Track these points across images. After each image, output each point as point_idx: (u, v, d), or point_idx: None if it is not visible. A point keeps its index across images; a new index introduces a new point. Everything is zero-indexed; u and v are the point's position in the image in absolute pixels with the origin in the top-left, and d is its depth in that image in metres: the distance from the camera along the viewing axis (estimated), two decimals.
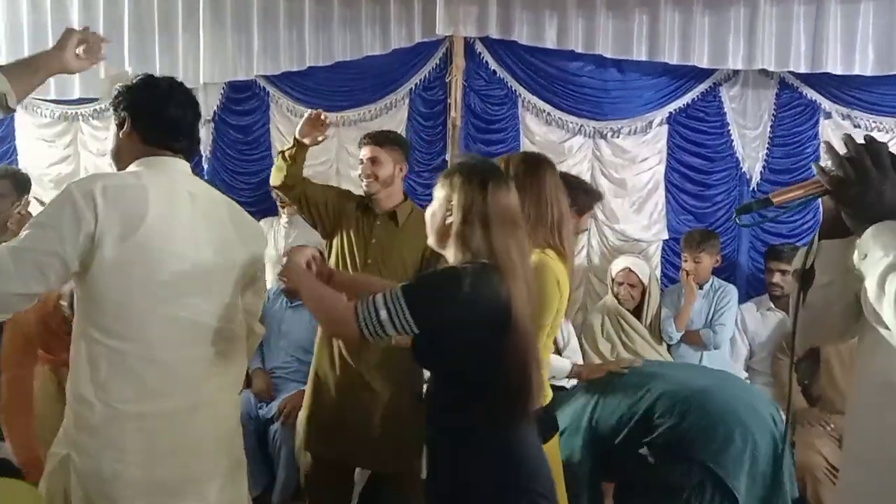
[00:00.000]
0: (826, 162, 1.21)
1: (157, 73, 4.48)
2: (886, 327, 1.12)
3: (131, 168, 1.73)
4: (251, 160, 4.53)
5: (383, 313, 1.52)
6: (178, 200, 1.70)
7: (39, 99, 4.74)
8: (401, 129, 4.36)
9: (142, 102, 1.75)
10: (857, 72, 3.88)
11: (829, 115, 4.05)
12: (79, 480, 1.61)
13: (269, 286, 4.27)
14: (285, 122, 4.49)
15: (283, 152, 2.75)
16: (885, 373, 1.19)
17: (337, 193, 2.92)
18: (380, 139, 2.80)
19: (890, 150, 1.20)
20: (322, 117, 2.70)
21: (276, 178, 2.76)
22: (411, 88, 4.32)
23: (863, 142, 1.18)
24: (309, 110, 4.26)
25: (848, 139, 1.19)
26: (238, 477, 1.84)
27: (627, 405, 2.04)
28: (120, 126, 1.77)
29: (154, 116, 1.74)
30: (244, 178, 4.56)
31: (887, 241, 1.12)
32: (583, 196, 2.88)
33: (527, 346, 1.56)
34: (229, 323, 1.76)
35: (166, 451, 1.65)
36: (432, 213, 1.69)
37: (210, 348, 1.71)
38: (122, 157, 1.78)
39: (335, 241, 2.81)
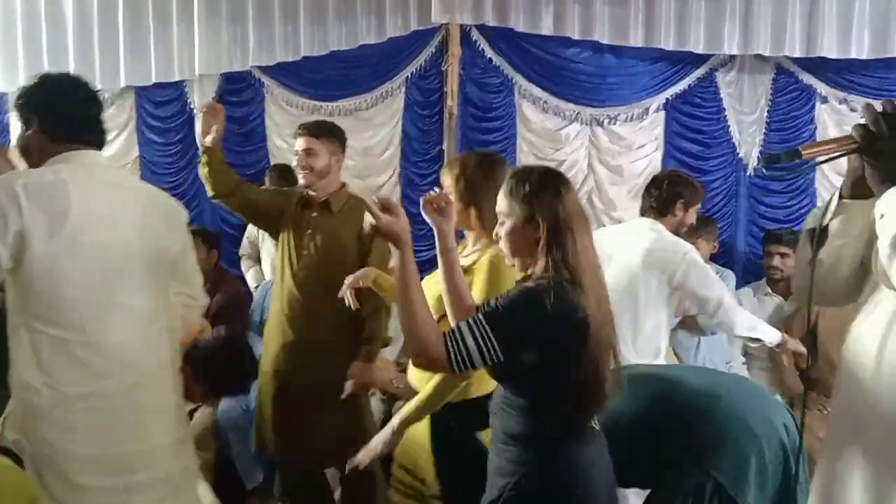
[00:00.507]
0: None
1: (153, 64, 4.52)
2: (893, 288, 1.15)
3: (48, 164, 1.77)
4: (246, 151, 4.52)
5: (471, 342, 1.49)
6: (100, 191, 1.76)
7: None
8: (397, 119, 4.36)
9: (45, 102, 1.80)
10: (853, 56, 3.88)
11: (825, 100, 4.05)
12: (32, 465, 1.66)
13: (267, 276, 4.30)
14: (280, 113, 4.48)
15: (200, 161, 2.72)
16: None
17: (273, 193, 2.92)
18: (314, 130, 2.72)
19: None
20: (217, 107, 2.66)
21: (207, 188, 2.72)
22: (407, 77, 4.31)
23: None
24: (304, 100, 4.40)
25: (887, 102, 1.21)
26: (186, 447, 1.93)
27: (644, 413, 2.02)
28: (26, 125, 1.82)
29: (59, 114, 1.80)
30: (240, 169, 4.50)
31: None
32: (690, 190, 2.86)
33: (601, 353, 1.55)
34: (162, 302, 1.84)
35: (114, 427, 1.72)
36: (512, 232, 1.60)
37: (146, 329, 1.79)
38: (32, 155, 1.83)
39: (279, 240, 2.77)
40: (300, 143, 2.71)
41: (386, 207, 1.55)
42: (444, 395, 1.91)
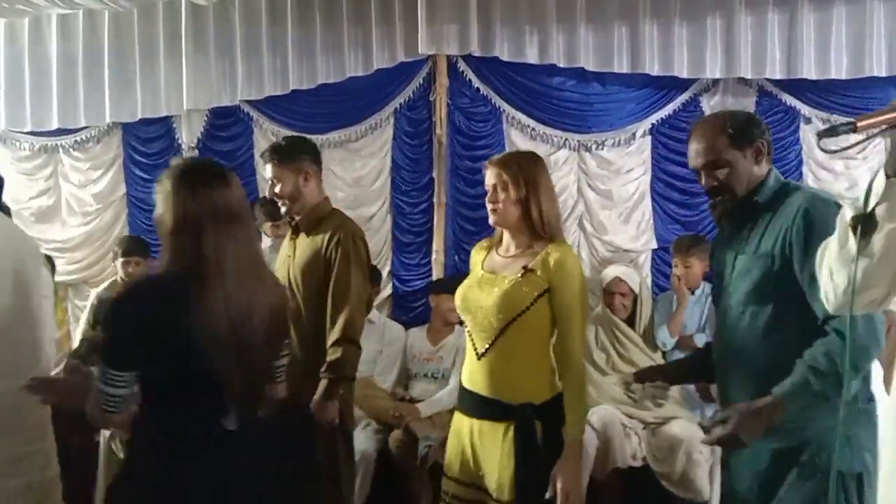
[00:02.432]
0: None
1: (139, 100, 4.51)
2: None
3: None
4: None
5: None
6: None
7: (17, 132, 4.70)
8: (386, 149, 4.37)
9: None
10: (832, 76, 3.96)
11: (808, 121, 4.11)
12: None
13: None
14: None
15: None
16: None
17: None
18: (275, 156, 2.59)
19: None
20: None
21: None
22: (396, 108, 4.33)
23: None
24: (293, 133, 4.39)
25: None
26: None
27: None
28: None
29: None
30: None
31: None
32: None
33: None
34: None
35: None
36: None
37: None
38: None
39: None
40: (267, 172, 2.63)
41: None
42: None
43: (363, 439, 3.43)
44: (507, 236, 2.18)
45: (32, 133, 4.68)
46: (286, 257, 2.69)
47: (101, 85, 4.50)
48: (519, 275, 2.06)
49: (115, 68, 4.48)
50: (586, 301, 2.13)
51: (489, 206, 2.14)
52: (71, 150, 4.69)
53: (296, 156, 2.60)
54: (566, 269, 2.04)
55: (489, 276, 2.13)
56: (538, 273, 2.05)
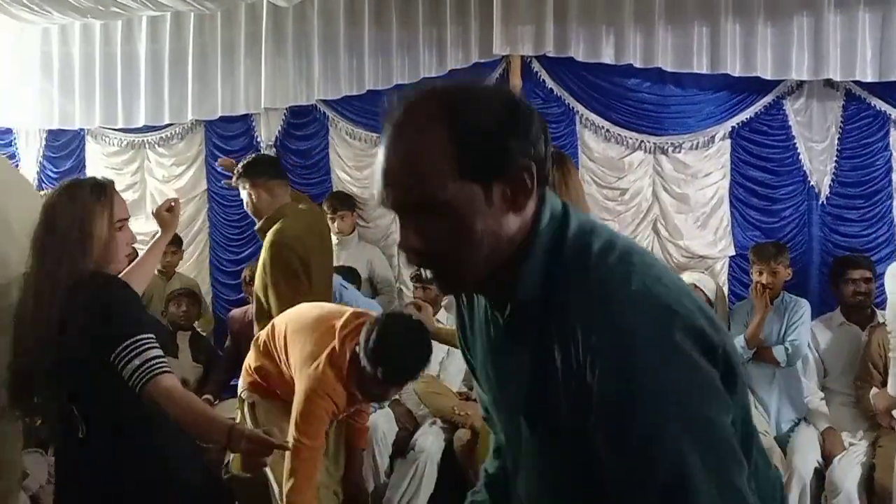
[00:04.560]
0: None
1: (219, 98, 4.66)
2: None
3: None
4: (311, 184, 4.60)
5: None
6: None
7: (107, 128, 4.92)
8: None
9: None
10: None
11: None
12: None
13: None
14: (344, 146, 4.55)
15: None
16: None
17: None
18: (238, 175, 2.97)
19: None
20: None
21: None
22: None
23: None
24: (367, 133, 4.45)
25: None
26: None
27: None
28: None
29: None
30: None
31: None
32: None
33: None
34: None
35: None
36: None
37: None
38: None
39: None
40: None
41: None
42: None
43: (428, 437, 3.45)
44: None
45: (121, 130, 4.90)
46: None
47: (184, 84, 4.67)
48: None
49: (199, 68, 4.64)
50: None
51: None
52: (156, 146, 4.89)
53: (245, 176, 2.93)
54: None
55: None
56: None
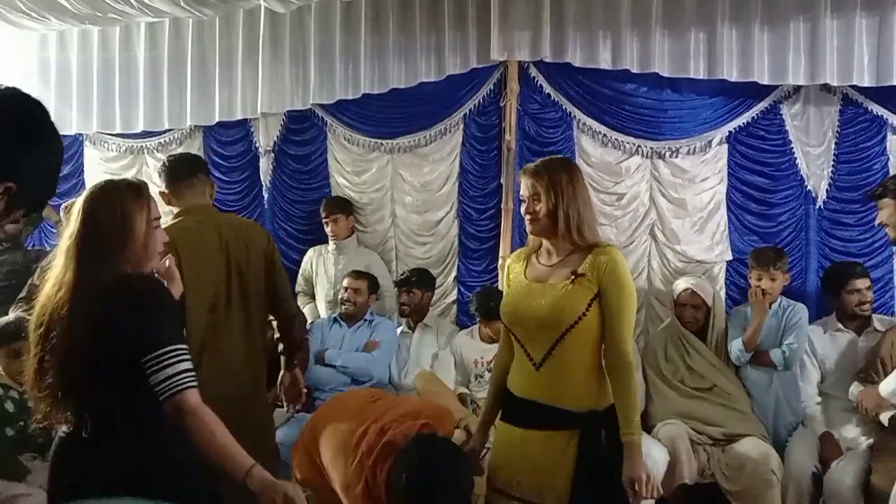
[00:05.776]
0: None
1: (217, 103, 4.69)
2: None
3: None
4: (309, 189, 4.61)
5: None
6: None
7: (106, 133, 4.93)
8: (455, 154, 4.38)
9: None
10: None
11: None
12: None
13: (322, 313, 4.33)
14: (342, 151, 4.56)
15: None
16: None
17: None
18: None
19: None
20: None
21: None
22: (465, 114, 4.34)
23: None
24: (364, 138, 4.47)
25: None
26: None
27: None
28: None
29: None
30: (302, 206, 4.63)
31: None
32: None
33: None
34: None
35: None
36: None
37: None
38: None
39: None
40: None
41: None
42: None
43: None
44: (546, 244, 2.16)
45: (120, 135, 4.91)
46: None
47: (183, 89, 4.68)
48: (569, 281, 2.05)
49: (197, 74, 4.65)
50: (635, 301, 2.10)
51: (526, 218, 2.15)
52: (155, 151, 4.88)
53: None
54: (618, 271, 2.03)
55: (537, 286, 2.12)
56: (588, 277, 2.03)
